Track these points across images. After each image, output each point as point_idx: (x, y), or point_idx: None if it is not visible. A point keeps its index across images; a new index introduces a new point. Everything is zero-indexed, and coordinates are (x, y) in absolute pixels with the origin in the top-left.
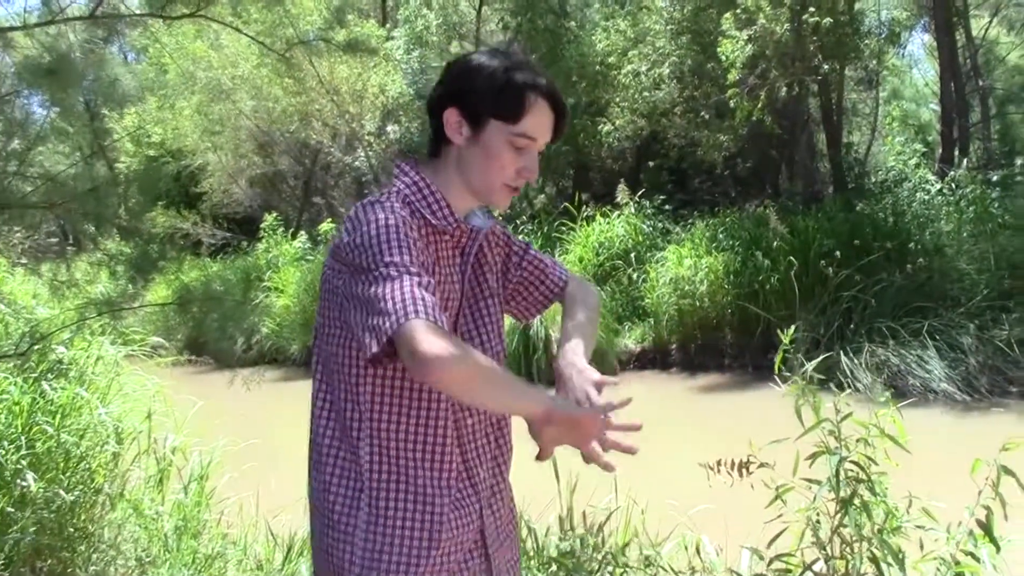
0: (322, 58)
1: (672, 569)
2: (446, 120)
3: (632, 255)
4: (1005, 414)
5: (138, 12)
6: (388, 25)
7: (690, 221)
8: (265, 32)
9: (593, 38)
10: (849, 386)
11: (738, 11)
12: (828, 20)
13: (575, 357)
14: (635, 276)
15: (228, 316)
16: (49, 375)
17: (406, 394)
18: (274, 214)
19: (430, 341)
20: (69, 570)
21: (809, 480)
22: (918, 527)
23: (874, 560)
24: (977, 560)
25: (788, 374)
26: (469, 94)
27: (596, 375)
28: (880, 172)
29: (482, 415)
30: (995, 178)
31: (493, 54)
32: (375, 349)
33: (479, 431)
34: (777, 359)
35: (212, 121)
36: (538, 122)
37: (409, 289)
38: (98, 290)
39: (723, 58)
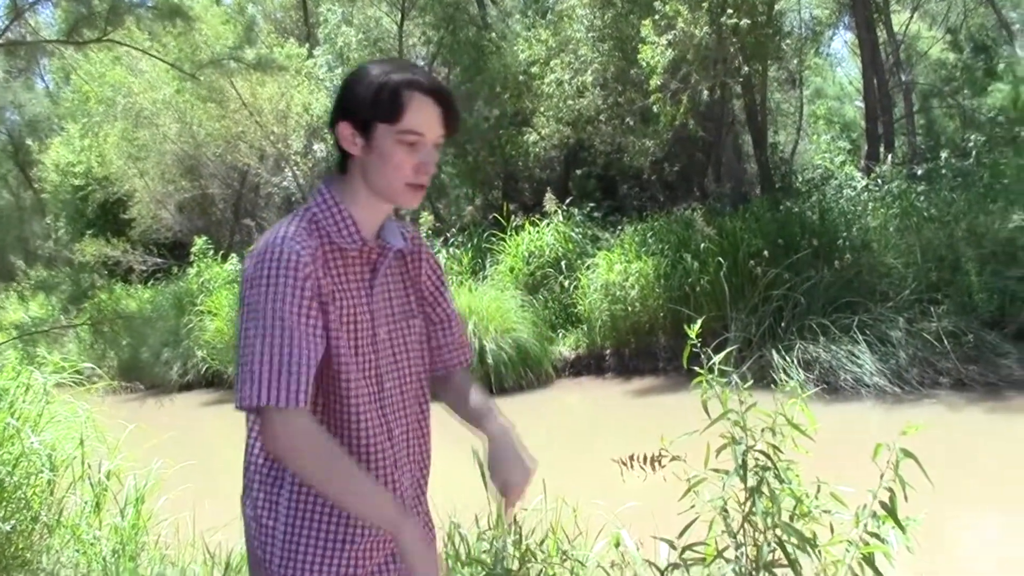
0: (238, 78)
1: (600, 564)
2: (340, 134)
3: (563, 263)
4: (935, 405)
5: (47, 39)
6: (308, 44)
7: (619, 227)
8: (184, 57)
9: (515, 48)
10: (782, 384)
11: (657, 17)
12: (746, 21)
13: (511, 449)
14: (567, 284)
15: (142, 334)
16: None
17: (333, 407)
18: (204, 238)
19: (284, 435)
20: None
21: (720, 471)
22: (826, 512)
23: (781, 545)
24: (883, 541)
25: (699, 371)
26: (353, 105)
27: (516, 491)
28: (806, 171)
29: (406, 427)
30: (920, 172)
31: (374, 64)
32: (238, 405)
33: (402, 441)
34: (684, 355)
35: (137, 147)
36: (421, 116)
37: (276, 363)
38: (21, 317)
39: (644, 64)
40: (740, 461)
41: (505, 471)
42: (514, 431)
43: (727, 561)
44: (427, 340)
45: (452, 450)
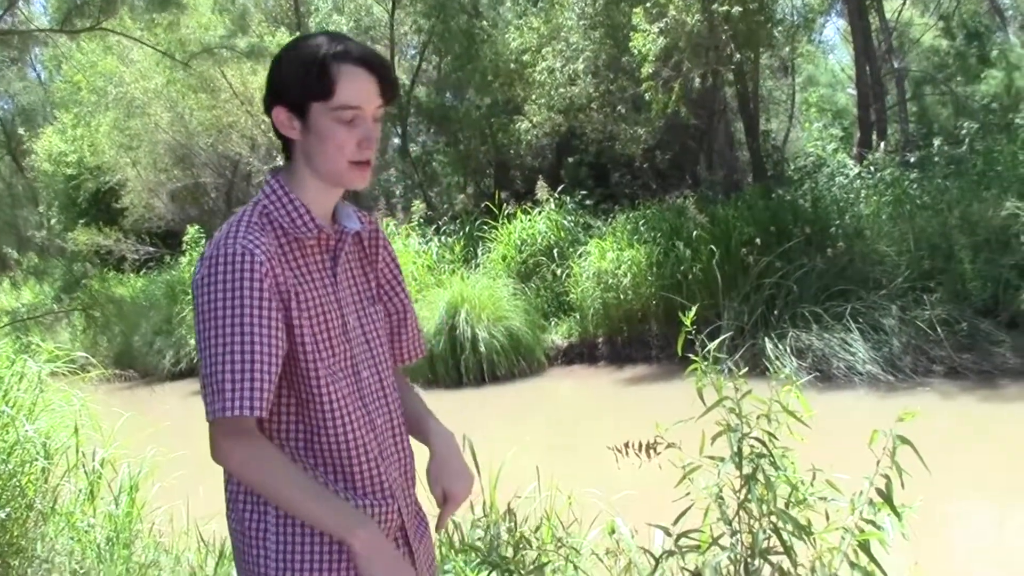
0: (230, 67)
1: (595, 552)
2: (276, 120)
3: (555, 251)
4: (928, 393)
5: (39, 28)
6: (298, 33)
7: (611, 215)
8: (175, 46)
9: (507, 37)
10: (775, 372)
11: (648, 4)
12: (738, 9)
13: (456, 458)
14: (559, 272)
15: (134, 320)
16: None
17: (307, 407)
18: (196, 227)
19: (227, 447)
20: None
21: (715, 458)
22: (821, 499)
23: (776, 532)
24: (878, 528)
25: (693, 358)
26: (283, 87)
27: (457, 501)
28: (799, 158)
29: (388, 416)
30: (913, 160)
31: (300, 40)
32: (209, 420)
33: (386, 431)
34: (679, 342)
35: (129, 136)
36: (355, 89)
37: (239, 367)
38: (14, 305)
39: (636, 52)
40: (735, 448)
41: (447, 480)
42: (455, 439)
43: (722, 548)
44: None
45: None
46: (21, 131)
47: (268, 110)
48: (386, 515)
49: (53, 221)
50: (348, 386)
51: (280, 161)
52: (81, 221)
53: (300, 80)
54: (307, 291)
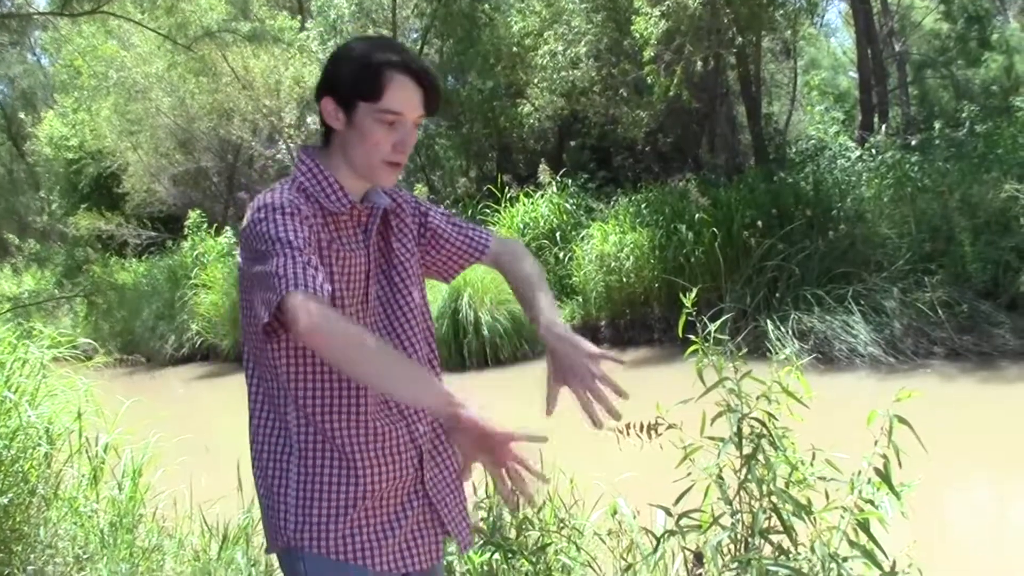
0: (231, 51)
1: (597, 533)
2: (324, 109)
3: (557, 234)
4: (929, 375)
5: (40, 11)
6: (300, 16)
7: (614, 198)
8: (175, 29)
9: (509, 20)
10: (777, 353)
11: None
12: None
13: (561, 330)
14: (561, 255)
15: (136, 306)
16: None
17: (321, 364)
18: (198, 211)
19: (307, 310)
20: (6, 571)
21: (715, 438)
22: (821, 479)
23: (776, 511)
24: (877, 507)
25: (694, 339)
26: (337, 82)
27: (593, 348)
28: (800, 141)
29: None
30: (914, 142)
31: (359, 41)
32: (265, 319)
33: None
34: (680, 324)
35: (130, 121)
36: (401, 96)
37: (292, 264)
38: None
39: (637, 35)
40: (735, 429)
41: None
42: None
43: (723, 528)
44: (443, 247)
45: None
46: (22, 115)
47: (318, 98)
48: (397, 467)
49: (54, 206)
50: None
51: (284, 148)
52: (82, 206)
53: (353, 78)
54: (338, 257)
